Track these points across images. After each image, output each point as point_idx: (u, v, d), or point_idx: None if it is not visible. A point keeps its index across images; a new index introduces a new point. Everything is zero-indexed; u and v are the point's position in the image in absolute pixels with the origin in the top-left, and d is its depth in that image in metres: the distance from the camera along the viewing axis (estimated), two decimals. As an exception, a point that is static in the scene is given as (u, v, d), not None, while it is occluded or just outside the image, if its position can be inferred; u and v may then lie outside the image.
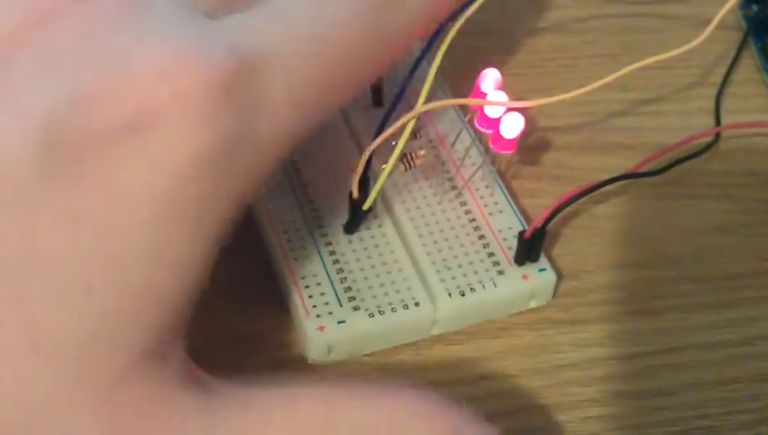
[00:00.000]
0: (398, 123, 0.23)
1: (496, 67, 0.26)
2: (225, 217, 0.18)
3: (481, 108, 0.25)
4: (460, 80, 0.31)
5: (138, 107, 0.16)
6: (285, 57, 0.18)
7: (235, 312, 0.24)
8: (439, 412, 0.18)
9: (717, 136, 0.29)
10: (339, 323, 0.23)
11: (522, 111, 0.25)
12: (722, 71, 0.32)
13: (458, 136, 0.27)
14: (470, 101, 0.25)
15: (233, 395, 0.18)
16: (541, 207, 0.27)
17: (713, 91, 0.31)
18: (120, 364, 0.17)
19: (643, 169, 0.26)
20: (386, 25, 0.20)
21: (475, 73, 0.31)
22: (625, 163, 0.29)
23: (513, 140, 0.25)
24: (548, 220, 0.24)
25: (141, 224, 0.16)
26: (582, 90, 0.23)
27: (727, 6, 0.26)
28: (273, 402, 0.18)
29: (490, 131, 0.25)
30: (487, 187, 0.26)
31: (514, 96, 0.30)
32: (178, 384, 0.17)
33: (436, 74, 0.26)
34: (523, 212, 0.27)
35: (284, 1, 0.19)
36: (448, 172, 0.27)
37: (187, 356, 0.18)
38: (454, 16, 0.25)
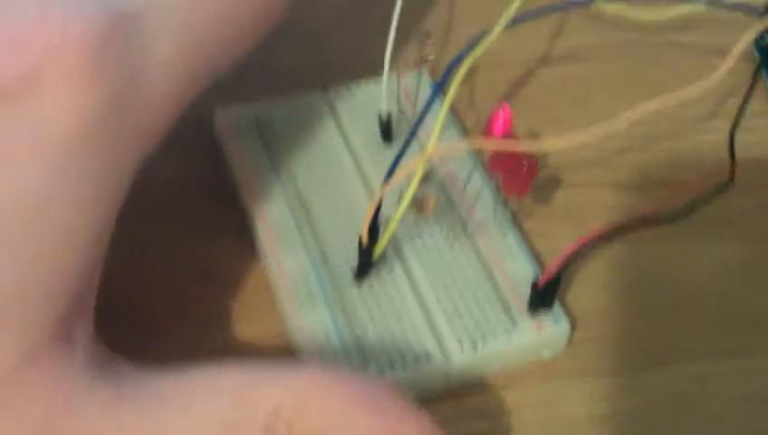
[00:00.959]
0: (409, 168, 0.22)
1: (506, 101, 0.25)
2: (115, 181, 0.17)
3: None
4: (469, 114, 0.30)
5: (4, 72, 0.15)
6: (166, 4, 0.17)
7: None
8: (349, 386, 0.18)
9: (733, 173, 0.28)
10: (348, 378, 0.22)
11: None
12: (734, 102, 0.31)
13: (470, 176, 0.26)
14: (483, 144, 0.25)
15: (144, 383, 0.17)
16: (553, 249, 0.27)
17: (726, 125, 0.31)
18: (17, 350, 0.16)
19: (660, 210, 0.25)
20: None
21: (483, 106, 0.30)
22: (638, 201, 0.28)
23: (527, 183, 0.24)
24: (562, 268, 0.23)
25: (21, 192, 0.15)
26: (600, 131, 0.23)
27: (745, 39, 0.26)
28: (180, 390, 0.17)
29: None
30: (499, 229, 0.26)
31: (524, 130, 0.30)
32: (86, 371, 0.17)
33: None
34: (536, 255, 0.26)
35: None
36: (460, 214, 0.26)
37: (98, 338, 0.17)
38: (465, 54, 0.25)
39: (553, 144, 0.23)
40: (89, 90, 0.16)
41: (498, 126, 0.25)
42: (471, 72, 0.31)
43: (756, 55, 0.32)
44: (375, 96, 0.27)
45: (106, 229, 0.17)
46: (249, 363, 0.18)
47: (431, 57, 0.27)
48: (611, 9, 0.33)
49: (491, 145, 0.24)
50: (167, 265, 0.25)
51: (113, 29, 0.16)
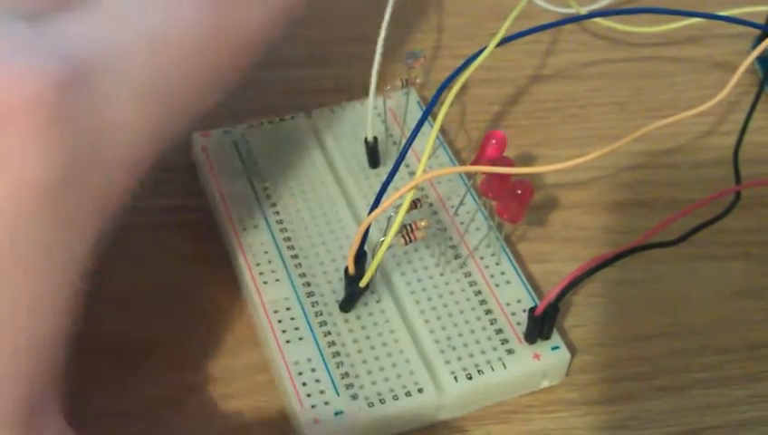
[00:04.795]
0: (398, 194, 0.21)
1: (498, 120, 0.24)
2: (78, 249, 0.15)
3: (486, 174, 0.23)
4: (460, 134, 0.29)
5: None
6: (122, 59, 0.16)
7: (221, 398, 0.23)
8: None
9: (738, 194, 0.27)
10: (336, 414, 0.21)
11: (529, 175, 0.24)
12: (735, 117, 0.30)
13: (462, 200, 0.25)
14: (475, 169, 0.23)
15: None
16: (549, 273, 0.26)
17: (727, 141, 0.29)
18: None
19: (661, 232, 0.24)
20: (231, 24, 0.18)
21: (474, 125, 0.29)
22: (638, 222, 0.27)
23: (521, 209, 0.23)
24: (560, 296, 0.22)
25: None
26: (597, 153, 0.22)
27: (751, 57, 0.25)
28: None
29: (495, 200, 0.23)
30: (493, 254, 0.25)
31: (517, 150, 0.28)
32: None
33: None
34: (531, 280, 0.25)
35: (112, 1, 0.17)
36: (451, 239, 0.25)
37: (65, 424, 0.16)
38: (455, 75, 0.24)
39: (549, 167, 0.22)
40: (37, 157, 0.14)
41: (491, 149, 0.24)
42: (461, 91, 0.30)
43: (757, 68, 0.31)
44: (361, 118, 0.26)
45: (69, 300, 0.15)
46: None
47: (418, 79, 0.26)
48: (605, 24, 0.32)
49: (483, 170, 0.23)
50: (143, 298, 0.24)
51: (68, 88, 0.15)
